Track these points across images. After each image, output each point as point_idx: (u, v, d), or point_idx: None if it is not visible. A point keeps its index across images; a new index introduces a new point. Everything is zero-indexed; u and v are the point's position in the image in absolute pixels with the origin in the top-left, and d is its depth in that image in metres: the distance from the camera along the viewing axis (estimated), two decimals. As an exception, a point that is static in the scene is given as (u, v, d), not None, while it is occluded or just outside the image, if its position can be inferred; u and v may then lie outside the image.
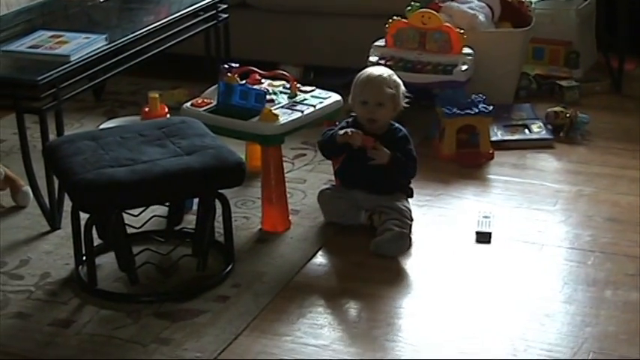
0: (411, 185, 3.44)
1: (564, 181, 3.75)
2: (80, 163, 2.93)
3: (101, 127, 3.92)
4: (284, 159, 3.45)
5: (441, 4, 4.38)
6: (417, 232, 3.34)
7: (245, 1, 4.75)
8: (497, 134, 4.06)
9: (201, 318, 2.88)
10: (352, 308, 2.97)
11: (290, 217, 3.42)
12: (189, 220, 3.29)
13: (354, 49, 4.34)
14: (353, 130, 3.31)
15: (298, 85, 3.58)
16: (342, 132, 3.31)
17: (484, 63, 4.19)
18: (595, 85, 4.62)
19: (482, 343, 2.76)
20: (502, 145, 3.99)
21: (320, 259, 3.23)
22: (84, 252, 3.05)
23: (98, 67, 3.51)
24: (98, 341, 2.79)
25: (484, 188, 3.70)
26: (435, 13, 4.19)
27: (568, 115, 4.12)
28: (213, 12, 4.22)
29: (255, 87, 3.51)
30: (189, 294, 3.00)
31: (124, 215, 2.94)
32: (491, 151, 3.92)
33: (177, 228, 3.25)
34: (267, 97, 3.45)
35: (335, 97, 3.55)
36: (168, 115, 3.53)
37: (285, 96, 3.53)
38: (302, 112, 3.41)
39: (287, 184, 3.43)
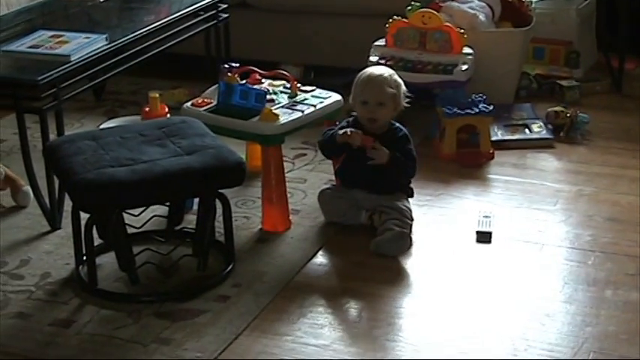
0: (412, 185, 3.44)
1: (564, 180, 3.74)
2: (80, 163, 2.93)
3: (101, 126, 3.92)
4: (284, 159, 3.45)
5: (442, 4, 4.37)
6: (418, 232, 3.34)
7: (245, 1, 4.75)
8: (498, 134, 4.06)
9: (202, 318, 2.88)
10: (353, 308, 2.97)
11: (290, 217, 3.42)
12: (190, 220, 3.29)
13: (355, 49, 4.33)
14: (352, 129, 3.31)
15: (298, 85, 3.58)
16: (341, 132, 3.31)
17: (484, 63, 4.19)
18: (595, 85, 4.61)
19: (482, 343, 2.76)
20: (502, 145, 3.99)
21: (320, 258, 3.23)
22: (84, 252, 3.04)
23: (98, 67, 3.51)
24: (98, 341, 2.79)
25: (484, 188, 3.70)
26: (435, 12, 4.19)
27: (568, 115, 4.11)
28: (214, 12, 4.21)
29: (255, 87, 3.51)
30: (189, 294, 3.00)
31: (125, 215, 2.94)
32: (491, 151, 3.91)
33: (178, 228, 3.25)
34: (268, 96, 3.45)
35: (335, 96, 3.55)
36: (168, 115, 3.53)
37: (286, 96, 3.53)
38: (302, 111, 3.41)
39: (287, 183, 3.42)
